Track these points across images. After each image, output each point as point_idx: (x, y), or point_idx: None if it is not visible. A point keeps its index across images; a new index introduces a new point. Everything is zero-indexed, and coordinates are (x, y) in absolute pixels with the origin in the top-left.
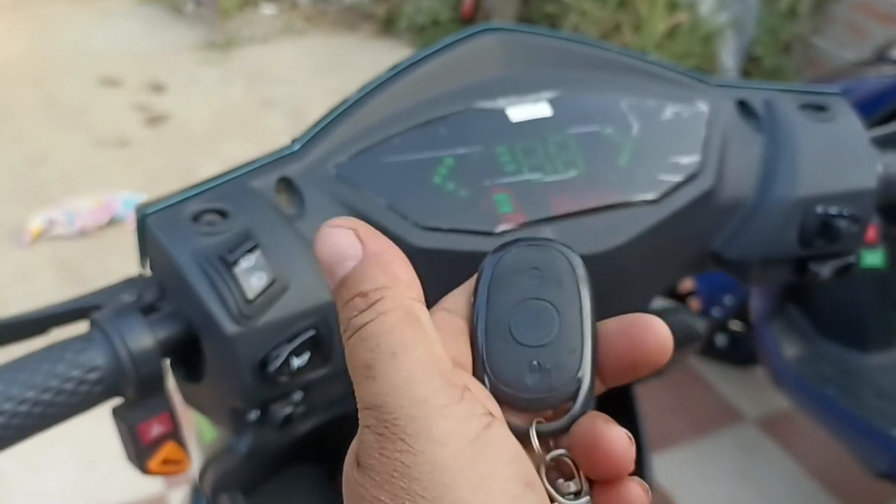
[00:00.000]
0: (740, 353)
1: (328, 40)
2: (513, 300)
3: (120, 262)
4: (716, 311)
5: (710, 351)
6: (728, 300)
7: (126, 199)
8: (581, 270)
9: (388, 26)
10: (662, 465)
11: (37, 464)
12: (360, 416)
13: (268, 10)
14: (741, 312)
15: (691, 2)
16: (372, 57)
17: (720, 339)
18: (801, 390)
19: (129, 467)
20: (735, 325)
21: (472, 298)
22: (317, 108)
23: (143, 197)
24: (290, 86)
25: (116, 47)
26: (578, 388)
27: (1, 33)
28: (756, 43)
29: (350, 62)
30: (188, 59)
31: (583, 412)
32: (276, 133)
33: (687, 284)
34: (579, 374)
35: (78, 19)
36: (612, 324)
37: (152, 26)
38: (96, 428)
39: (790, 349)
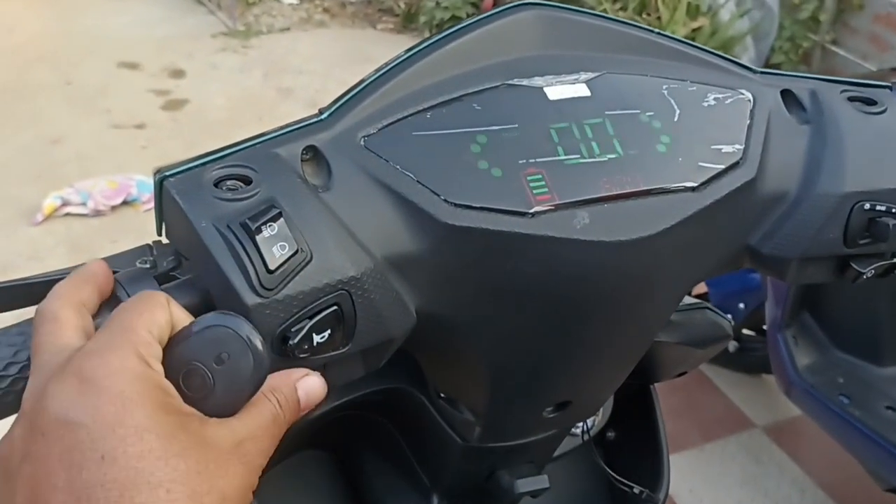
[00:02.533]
0: (751, 361)
1: (347, 33)
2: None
3: (132, 242)
4: (728, 318)
5: (720, 357)
6: (741, 307)
7: (140, 182)
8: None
9: (407, 21)
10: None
11: None
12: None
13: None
14: (753, 320)
15: (712, 7)
16: (390, 51)
17: (732, 346)
18: (812, 399)
19: None
20: (747, 333)
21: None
22: (334, 98)
23: None
24: (308, 76)
25: (136, 31)
26: None
27: (21, 14)
28: (776, 50)
29: (368, 55)
30: (207, 45)
31: None
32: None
33: (700, 289)
34: None
35: (98, 2)
36: None
37: (173, 12)
38: None
39: (803, 358)
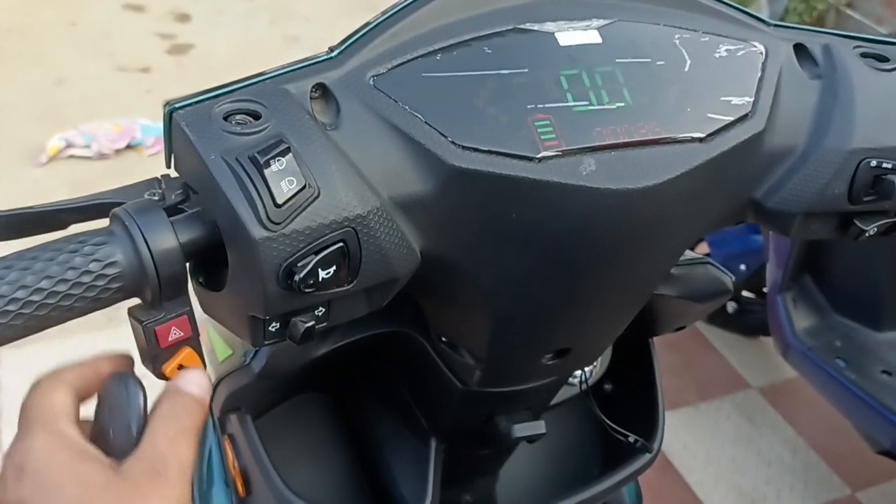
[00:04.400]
0: (750, 323)
1: None
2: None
3: None
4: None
5: (719, 318)
6: (742, 268)
7: (144, 126)
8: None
9: None
10: (667, 434)
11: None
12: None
13: None
14: (754, 282)
15: None
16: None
17: (731, 307)
18: (808, 362)
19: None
20: (747, 294)
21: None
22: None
23: (162, 124)
24: (315, 24)
25: None
26: None
27: None
28: (790, 11)
29: (376, 4)
30: None
31: None
32: None
33: (701, 250)
34: None
35: None
36: None
37: None
38: (104, 347)
39: (802, 320)
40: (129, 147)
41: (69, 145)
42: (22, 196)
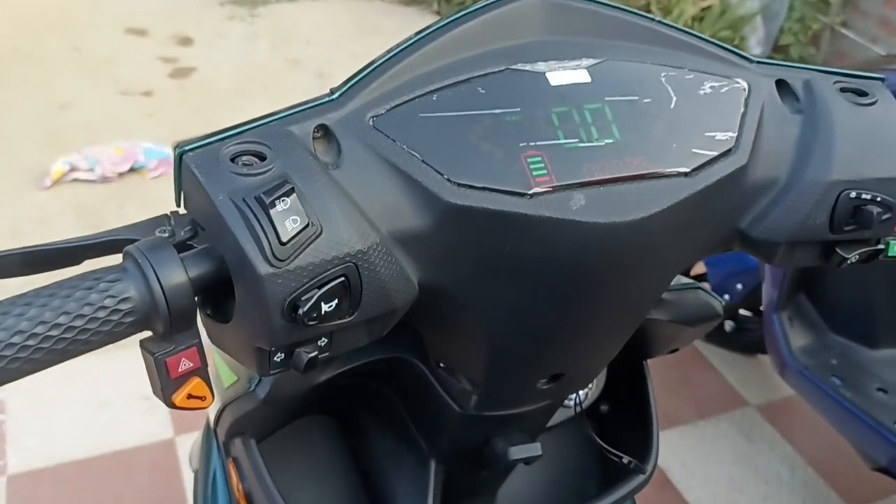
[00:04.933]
0: (747, 341)
1: (356, 4)
2: None
3: (139, 209)
4: (726, 298)
5: (717, 336)
6: (739, 287)
7: (147, 149)
8: None
9: None
10: (662, 443)
11: (47, 404)
12: None
13: None
14: (751, 301)
15: None
16: (398, 22)
17: (728, 325)
18: (805, 380)
19: (138, 410)
20: (744, 313)
21: None
22: (341, 70)
23: (164, 147)
24: (316, 47)
25: None
26: None
27: None
28: (785, 31)
29: (376, 27)
30: (216, 14)
31: None
32: (300, 93)
33: (699, 269)
34: None
35: None
36: None
37: None
38: (108, 369)
39: (798, 339)
40: (132, 170)
41: (73, 169)
42: (27, 220)
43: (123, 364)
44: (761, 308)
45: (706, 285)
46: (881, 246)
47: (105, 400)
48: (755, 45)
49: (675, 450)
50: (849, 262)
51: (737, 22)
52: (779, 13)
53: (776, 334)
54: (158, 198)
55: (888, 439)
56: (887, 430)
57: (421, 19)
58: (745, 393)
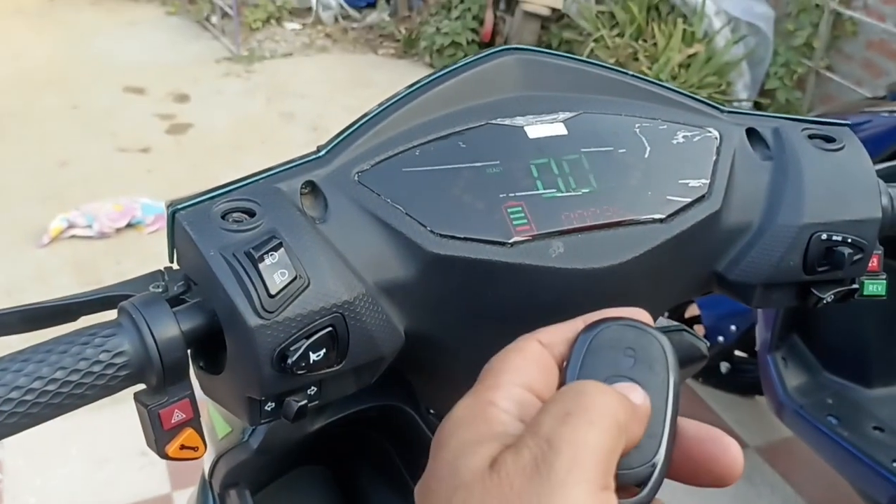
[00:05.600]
0: (744, 382)
1: (349, 58)
2: (604, 373)
3: (136, 264)
4: (720, 340)
5: (713, 378)
6: (733, 329)
7: (145, 205)
8: (672, 359)
9: (408, 46)
10: (662, 487)
11: (45, 462)
12: (529, 436)
13: (291, 25)
14: (745, 342)
15: (708, 34)
16: (391, 75)
17: (724, 367)
18: (801, 420)
19: (135, 467)
20: (739, 354)
21: (566, 362)
22: (335, 123)
23: (162, 203)
24: (310, 101)
25: (142, 56)
26: (651, 474)
27: (29, 39)
28: (770, 76)
29: (370, 80)
30: (212, 70)
31: (649, 500)
32: (295, 146)
33: (692, 311)
34: (654, 460)
35: (105, 28)
36: (692, 427)
37: (178, 37)
38: (106, 425)
39: (792, 379)
40: (129, 225)
41: (71, 226)
42: (25, 277)
43: (121, 419)
44: (757, 349)
45: (698, 328)
46: (855, 286)
47: (102, 456)
48: (741, 90)
49: (675, 493)
50: (824, 301)
51: (722, 68)
52: (764, 58)
53: (771, 375)
54: (155, 253)
55: (887, 478)
56: (886, 470)
57: (413, 71)
58: (744, 434)
